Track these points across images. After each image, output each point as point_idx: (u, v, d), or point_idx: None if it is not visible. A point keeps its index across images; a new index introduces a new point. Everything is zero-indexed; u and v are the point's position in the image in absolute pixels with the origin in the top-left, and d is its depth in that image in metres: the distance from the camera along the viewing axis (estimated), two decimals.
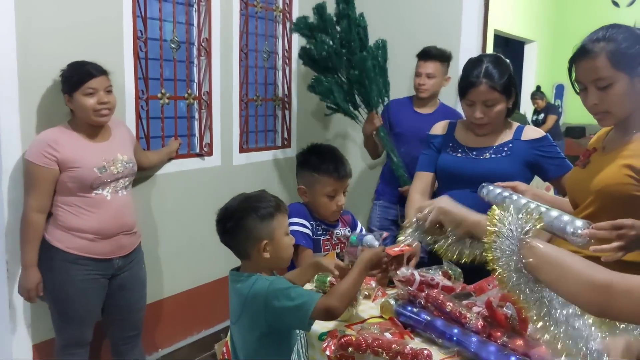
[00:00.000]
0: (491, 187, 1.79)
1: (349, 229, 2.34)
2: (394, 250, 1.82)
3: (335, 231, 2.28)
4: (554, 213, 1.49)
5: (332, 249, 2.25)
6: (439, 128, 2.37)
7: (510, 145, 2.17)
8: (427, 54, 3.28)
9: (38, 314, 2.53)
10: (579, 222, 1.42)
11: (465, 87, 2.15)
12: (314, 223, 2.23)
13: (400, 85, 3.67)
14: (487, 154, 2.17)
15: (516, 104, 2.24)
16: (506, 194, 1.72)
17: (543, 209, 1.55)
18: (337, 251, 2.26)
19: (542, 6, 8.95)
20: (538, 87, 8.50)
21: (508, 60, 2.22)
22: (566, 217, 1.44)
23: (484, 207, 1.96)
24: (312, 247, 2.17)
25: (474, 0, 3.62)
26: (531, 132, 2.21)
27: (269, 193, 1.74)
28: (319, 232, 2.24)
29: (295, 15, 3.89)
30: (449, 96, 3.42)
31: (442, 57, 3.27)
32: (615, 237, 1.40)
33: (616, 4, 8.83)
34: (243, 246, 1.66)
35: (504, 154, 2.16)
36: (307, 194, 2.24)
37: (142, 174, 2.87)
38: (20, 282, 2.38)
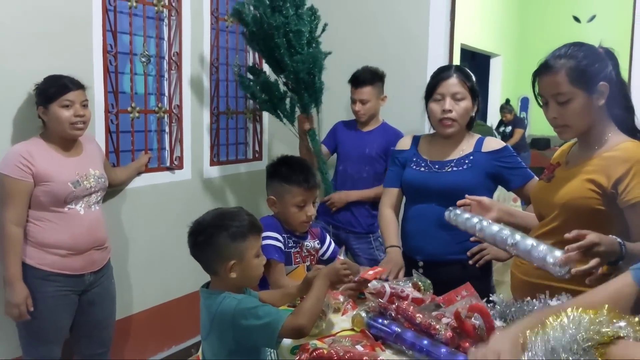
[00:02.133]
0: (458, 212, 1.83)
1: (318, 241, 2.36)
2: (369, 273, 1.85)
3: (305, 243, 2.30)
4: (530, 241, 1.53)
5: (302, 262, 2.26)
6: (403, 144, 2.42)
7: (471, 157, 2.21)
8: (357, 81, 3.24)
9: (4, 331, 2.48)
10: (558, 252, 1.46)
11: (435, 82, 2.22)
12: (285, 236, 2.24)
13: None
14: (449, 167, 2.22)
15: (478, 114, 2.31)
16: (475, 220, 1.75)
17: (518, 236, 1.59)
18: (307, 264, 2.27)
19: (506, 21, 9.15)
20: (507, 100, 8.67)
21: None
22: (543, 247, 1.48)
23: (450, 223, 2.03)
24: (284, 261, 2.18)
25: (440, 15, 3.69)
26: (492, 144, 2.26)
27: (246, 211, 1.71)
28: (289, 245, 2.24)
29: None
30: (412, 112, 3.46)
31: (372, 80, 3.23)
32: (589, 256, 1.44)
33: (577, 20, 9.07)
34: (211, 263, 1.65)
35: (465, 167, 2.20)
36: (277, 204, 2.25)
37: (112, 188, 2.85)
38: (7, 300, 2.31)
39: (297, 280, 2.15)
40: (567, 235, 1.45)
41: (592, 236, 1.44)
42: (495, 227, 1.67)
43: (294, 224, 2.23)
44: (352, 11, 3.92)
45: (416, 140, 2.38)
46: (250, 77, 3.43)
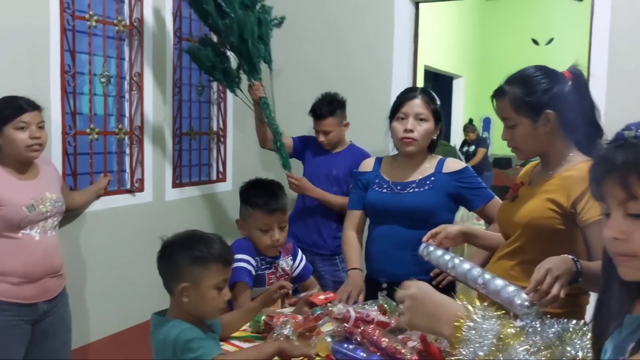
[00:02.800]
0: (432, 248, 1.84)
1: (290, 257, 2.34)
2: (319, 298, 1.83)
3: (279, 262, 2.28)
4: (499, 282, 1.54)
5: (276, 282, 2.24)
6: (365, 165, 2.42)
7: (433, 178, 2.23)
8: (317, 114, 3.22)
9: None
10: (525, 294, 1.46)
11: (400, 102, 2.24)
12: (258, 258, 2.22)
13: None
14: (411, 188, 2.22)
15: (439, 139, 2.33)
16: (447, 257, 1.77)
17: (487, 276, 1.59)
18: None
19: (468, 43, 9.34)
20: (470, 120, 8.81)
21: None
22: (511, 288, 1.49)
23: (411, 240, 2.02)
24: (251, 285, 2.15)
25: (404, 37, 3.72)
26: (452, 164, 2.28)
27: (223, 241, 1.66)
28: (263, 267, 2.22)
29: None
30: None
31: (332, 111, 3.19)
32: (548, 285, 1.44)
33: (536, 43, 9.31)
34: (168, 280, 1.61)
35: (427, 187, 2.21)
36: (244, 227, 2.24)
37: (70, 212, 2.77)
38: None
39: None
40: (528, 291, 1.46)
41: (544, 265, 1.45)
42: (467, 266, 1.68)
43: (260, 247, 2.21)
44: (317, 32, 3.94)
45: (378, 161, 2.39)
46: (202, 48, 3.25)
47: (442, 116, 2.29)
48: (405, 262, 2.20)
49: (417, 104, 2.21)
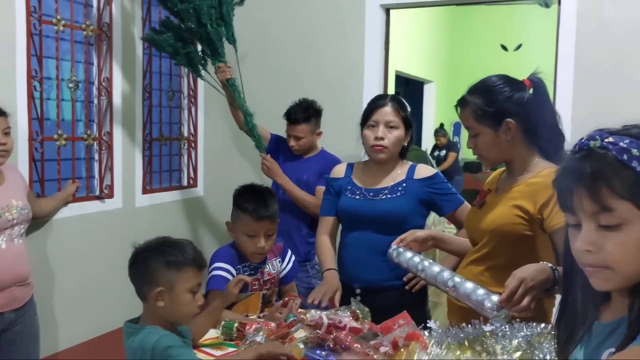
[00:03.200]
0: (401, 250, 1.85)
1: (279, 258, 2.34)
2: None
3: (265, 268, 2.27)
4: (469, 285, 1.55)
5: (260, 289, 2.24)
6: (337, 171, 2.43)
7: (404, 184, 2.25)
8: (291, 118, 3.20)
9: None
10: (495, 297, 1.47)
11: (371, 109, 2.26)
12: (240, 267, 2.22)
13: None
14: (383, 195, 2.24)
15: (410, 145, 2.35)
16: (417, 259, 1.78)
17: (457, 279, 1.60)
18: (264, 292, 2.25)
19: (439, 49, 9.43)
20: (441, 125, 8.90)
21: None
22: (481, 291, 1.51)
23: (384, 245, 2.03)
24: None
25: (375, 43, 3.75)
26: (423, 171, 2.30)
27: (194, 246, 1.67)
28: (246, 274, 2.21)
29: None
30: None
31: (308, 118, 3.18)
32: (520, 295, 1.45)
33: (505, 49, 9.46)
34: (141, 287, 1.60)
35: (398, 194, 2.23)
36: (233, 230, 2.25)
37: (37, 219, 2.71)
38: None
39: (248, 307, 2.12)
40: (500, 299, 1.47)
41: (518, 274, 1.46)
42: (436, 268, 1.69)
43: (246, 253, 2.22)
44: (288, 37, 3.94)
45: (350, 167, 2.40)
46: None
47: (412, 123, 2.31)
48: (378, 268, 2.21)
49: (387, 112, 2.23)
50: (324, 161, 3.16)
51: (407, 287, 2.21)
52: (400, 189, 2.24)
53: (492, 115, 1.70)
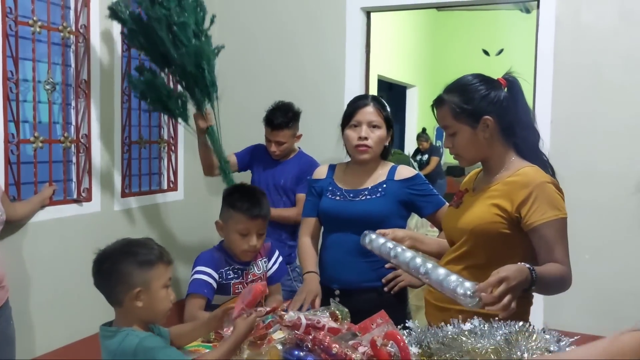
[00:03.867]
0: (374, 236, 1.83)
1: (265, 258, 2.33)
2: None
3: (251, 268, 2.26)
4: (441, 271, 1.54)
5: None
6: (319, 173, 2.42)
7: (385, 185, 2.24)
8: (272, 124, 3.13)
9: None
10: (468, 284, 1.47)
11: (353, 110, 2.25)
12: (224, 270, 2.20)
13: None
14: (363, 196, 2.23)
15: (392, 145, 2.35)
16: (390, 245, 1.76)
17: (429, 265, 1.60)
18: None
19: (421, 54, 9.48)
20: (424, 129, 8.93)
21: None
22: (453, 277, 1.49)
23: (364, 249, 2.02)
24: (210, 297, 2.13)
25: (356, 46, 3.76)
26: (404, 172, 2.29)
27: (155, 242, 1.66)
28: (229, 277, 2.21)
29: None
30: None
31: (288, 123, 3.12)
32: (502, 293, 1.44)
33: (486, 53, 9.53)
34: (115, 292, 1.56)
35: (378, 195, 2.22)
36: (223, 229, 2.23)
37: (12, 223, 2.67)
38: None
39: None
40: (480, 286, 1.45)
41: (501, 273, 1.45)
42: (409, 254, 1.68)
43: (236, 251, 2.21)
44: (269, 40, 3.93)
45: (332, 169, 2.39)
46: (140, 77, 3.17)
47: (392, 122, 2.31)
48: (357, 270, 2.20)
49: (369, 112, 2.22)
50: (300, 164, 3.15)
51: (385, 289, 2.20)
52: (380, 190, 2.23)
53: (470, 112, 1.70)
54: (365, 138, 2.20)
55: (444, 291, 1.52)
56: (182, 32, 2.93)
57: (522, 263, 1.51)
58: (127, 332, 1.52)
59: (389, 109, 2.31)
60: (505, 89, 1.74)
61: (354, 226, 2.20)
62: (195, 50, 2.96)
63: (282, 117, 3.13)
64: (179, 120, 3.21)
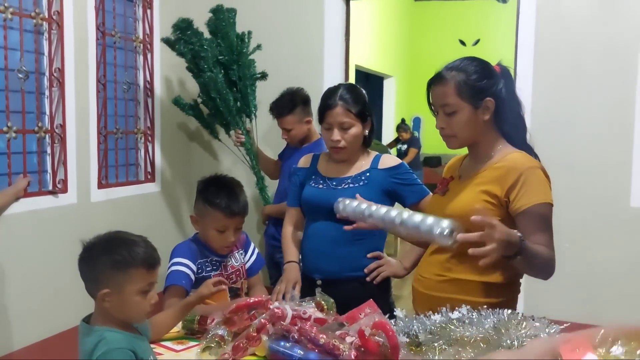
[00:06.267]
0: (347, 201, 1.83)
1: (241, 250, 2.29)
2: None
3: (228, 261, 2.22)
4: (418, 216, 1.54)
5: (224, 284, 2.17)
6: (303, 161, 2.39)
7: (368, 174, 2.20)
8: (275, 112, 3.23)
9: None
10: (445, 222, 1.46)
11: (323, 110, 2.20)
12: (202, 261, 2.15)
13: (266, 119, 3.65)
14: (346, 184, 2.20)
15: (372, 132, 2.28)
16: (364, 205, 1.76)
17: (405, 214, 1.59)
18: (233, 285, 2.20)
19: (398, 44, 9.48)
20: (403, 120, 8.94)
21: (363, 90, 2.28)
22: (430, 219, 1.49)
23: (346, 236, 2.00)
24: (189, 289, 2.07)
25: (335, 37, 3.73)
26: (388, 160, 2.25)
27: (148, 243, 1.53)
28: (208, 269, 2.16)
29: (156, 45, 3.78)
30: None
31: (292, 109, 3.17)
32: (483, 237, 1.43)
33: (463, 43, 9.57)
34: (88, 285, 1.48)
35: (361, 183, 2.18)
36: (199, 224, 2.18)
37: None
38: None
39: (216, 302, 2.07)
40: (473, 218, 1.44)
41: (493, 221, 1.45)
42: (383, 209, 1.68)
43: (214, 247, 2.17)
44: (245, 29, 3.87)
45: (316, 158, 2.36)
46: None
47: (368, 112, 2.22)
48: (339, 259, 2.17)
49: (338, 114, 2.15)
50: (315, 151, 3.11)
51: (367, 279, 2.18)
52: (363, 178, 2.20)
53: (477, 90, 1.69)
54: (339, 141, 2.17)
55: (421, 235, 1.52)
56: (202, 59, 3.44)
57: (516, 230, 1.52)
58: (100, 334, 1.44)
59: (365, 98, 2.23)
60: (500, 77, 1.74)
61: (335, 215, 2.17)
62: (204, 82, 3.44)
63: (283, 104, 3.19)
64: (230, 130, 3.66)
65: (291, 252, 2.29)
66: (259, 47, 3.56)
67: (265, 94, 3.60)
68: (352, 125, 2.17)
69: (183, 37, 3.45)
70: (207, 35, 3.55)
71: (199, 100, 3.68)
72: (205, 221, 2.15)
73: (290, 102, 3.18)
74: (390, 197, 2.24)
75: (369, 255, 2.16)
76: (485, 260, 1.45)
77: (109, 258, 1.45)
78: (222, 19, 3.50)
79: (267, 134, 3.79)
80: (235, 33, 3.54)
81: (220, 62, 3.49)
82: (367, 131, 2.24)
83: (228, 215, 2.12)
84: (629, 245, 3.18)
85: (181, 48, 3.47)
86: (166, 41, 3.57)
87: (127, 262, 1.45)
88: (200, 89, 3.57)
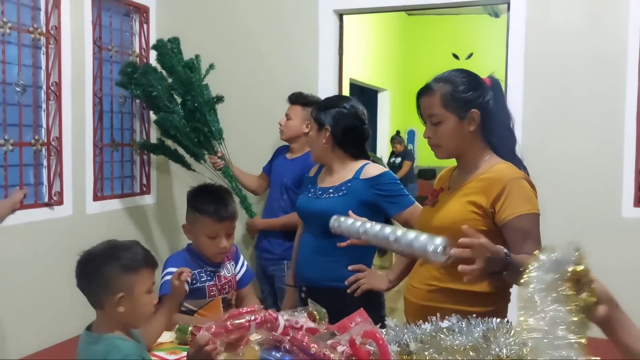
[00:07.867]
0: (342, 219, 1.85)
1: (232, 262, 2.30)
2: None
3: (221, 271, 2.24)
4: (411, 234, 1.56)
5: (218, 294, 2.20)
6: (313, 170, 2.42)
7: (349, 184, 2.19)
8: (290, 98, 3.25)
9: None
10: (438, 240, 1.49)
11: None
12: (196, 272, 2.16)
13: (264, 132, 3.67)
14: (327, 194, 2.21)
15: (352, 137, 2.29)
16: (358, 223, 1.78)
17: (399, 231, 1.62)
18: (225, 296, 2.21)
19: (392, 58, 9.55)
20: (397, 132, 8.99)
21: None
22: (423, 237, 1.51)
23: (325, 246, 2.03)
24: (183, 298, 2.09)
25: (329, 49, 3.76)
26: (371, 170, 2.21)
27: (141, 245, 1.61)
28: (203, 279, 2.17)
29: (152, 60, 3.81)
30: None
31: (305, 103, 3.16)
32: (473, 254, 1.45)
33: (456, 57, 9.65)
34: (98, 295, 1.52)
35: (341, 193, 2.18)
36: (191, 233, 2.20)
37: None
38: None
39: (211, 313, 2.08)
40: (461, 241, 1.46)
41: (482, 239, 1.47)
42: (378, 227, 1.70)
43: (207, 254, 2.19)
44: (240, 43, 3.91)
45: (322, 167, 2.38)
46: None
47: (340, 120, 2.25)
48: (320, 268, 2.19)
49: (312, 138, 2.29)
50: (305, 165, 3.08)
51: (348, 291, 2.14)
52: (343, 188, 2.19)
53: (461, 102, 1.73)
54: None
55: (415, 252, 1.54)
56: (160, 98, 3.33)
57: (502, 247, 1.54)
58: (110, 342, 1.48)
59: (328, 104, 2.32)
60: (490, 89, 1.77)
61: (315, 224, 2.19)
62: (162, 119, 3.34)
63: (301, 95, 3.22)
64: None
65: (291, 272, 2.39)
66: (212, 66, 3.44)
67: (262, 107, 3.64)
68: (311, 136, 2.31)
69: (132, 80, 3.35)
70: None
71: (164, 138, 3.58)
72: (196, 228, 2.17)
73: (307, 98, 3.20)
74: (370, 208, 2.16)
75: (349, 268, 2.15)
76: (468, 278, 1.46)
77: (118, 263, 1.51)
78: (164, 53, 3.38)
79: (241, 152, 3.69)
80: (182, 62, 3.41)
81: (174, 96, 3.41)
82: (326, 140, 2.26)
83: (217, 220, 2.14)
84: (620, 256, 3.20)
85: (133, 91, 3.40)
86: (120, 84, 3.47)
87: (135, 264, 1.53)
88: (159, 128, 3.48)
